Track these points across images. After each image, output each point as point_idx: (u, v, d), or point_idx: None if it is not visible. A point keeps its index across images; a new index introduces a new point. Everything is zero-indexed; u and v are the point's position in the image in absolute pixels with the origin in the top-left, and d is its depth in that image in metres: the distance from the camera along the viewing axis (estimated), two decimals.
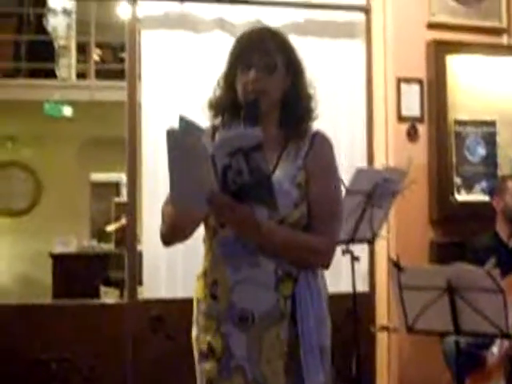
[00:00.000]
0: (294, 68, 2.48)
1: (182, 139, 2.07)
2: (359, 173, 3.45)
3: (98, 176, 10.34)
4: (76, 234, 9.79)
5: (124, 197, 9.48)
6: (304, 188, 2.37)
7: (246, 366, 2.32)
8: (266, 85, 2.39)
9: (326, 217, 2.39)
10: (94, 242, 9.98)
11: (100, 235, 10.02)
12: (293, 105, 2.45)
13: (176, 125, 2.06)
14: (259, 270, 2.32)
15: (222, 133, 2.43)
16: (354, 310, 3.73)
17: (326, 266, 2.42)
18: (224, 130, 2.43)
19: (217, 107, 2.50)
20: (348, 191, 3.40)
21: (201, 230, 2.46)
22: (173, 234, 2.43)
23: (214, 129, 2.51)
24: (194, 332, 2.47)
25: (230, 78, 2.47)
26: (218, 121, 2.52)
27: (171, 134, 2.07)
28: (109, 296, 8.17)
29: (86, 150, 10.35)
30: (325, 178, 2.42)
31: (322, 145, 2.46)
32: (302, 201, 2.36)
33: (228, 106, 2.48)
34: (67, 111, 9.43)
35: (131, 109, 4.66)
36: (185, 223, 2.39)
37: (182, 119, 2.06)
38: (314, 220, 2.38)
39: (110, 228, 8.27)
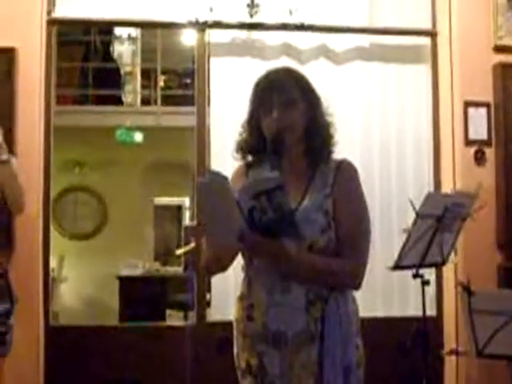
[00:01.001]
0: (311, 99, 2.61)
1: (210, 188, 2.28)
2: (430, 197, 3.46)
3: (161, 200, 10.45)
4: (141, 256, 9.92)
5: (186, 220, 9.60)
6: (331, 214, 2.50)
7: (278, 383, 2.46)
8: (288, 121, 2.53)
9: (353, 241, 2.52)
10: (158, 265, 10.08)
11: (164, 258, 10.12)
12: (315, 134, 2.58)
13: (205, 177, 2.29)
14: (291, 294, 2.46)
15: (253, 171, 2.62)
16: (425, 334, 3.71)
17: (357, 288, 2.55)
18: (255, 169, 2.62)
19: (244, 149, 2.67)
20: (418, 215, 3.41)
21: None
22: (212, 265, 2.65)
23: (247, 166, 2.68)
24: (235, 350, 2.62)
25: (254, 121, 2.63)
26: (249, 159, 2.69)
27: (201, 185, 2.31)
28: (173, 318, 8.25)
29: (150, 174, 10.48)
30: (351, 204, 2.55)
31: (347, 172, 2.61)
32: (329, 227, 2.49)
33: (255, 146, 2.63)
34: (138, 137, 9.58)
35: (200, 134, 4.75)
36: (221, 257, 2.57)
37: (209, 171, 2.34)
38: (342, 244, 2.51)
39: (179, 251, 8.34)
